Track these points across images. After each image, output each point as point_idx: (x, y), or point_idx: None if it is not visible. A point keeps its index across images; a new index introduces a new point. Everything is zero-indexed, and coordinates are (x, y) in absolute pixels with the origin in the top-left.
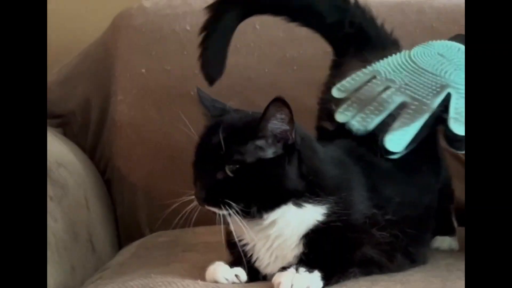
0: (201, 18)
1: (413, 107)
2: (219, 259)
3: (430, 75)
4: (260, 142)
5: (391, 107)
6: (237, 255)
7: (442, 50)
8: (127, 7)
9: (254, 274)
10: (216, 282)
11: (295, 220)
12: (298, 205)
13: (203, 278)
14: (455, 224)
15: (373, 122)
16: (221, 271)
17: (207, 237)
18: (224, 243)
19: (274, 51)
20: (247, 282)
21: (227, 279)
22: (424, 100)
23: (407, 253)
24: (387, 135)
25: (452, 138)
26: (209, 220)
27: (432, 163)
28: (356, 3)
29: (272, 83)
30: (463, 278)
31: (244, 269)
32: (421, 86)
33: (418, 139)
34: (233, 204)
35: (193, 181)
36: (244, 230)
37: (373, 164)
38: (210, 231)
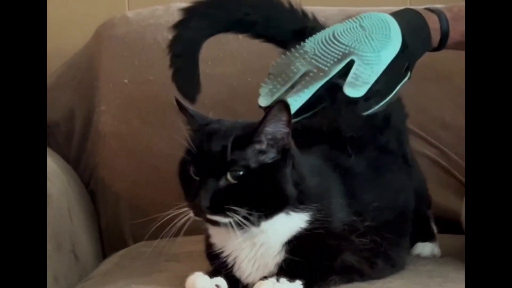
0: None
1: (311, 74)
2: (201, 268)
3: (339, 44)
4: (261, 146)
5: (296, 77)
6: (218, 265)
7: (366, 22)
8: (110, 17)
9: (234, 283)
10: None
11: (282, 228)
12: (287, 212)
13: None
14: (435, 229)
15: (278, 92)
16: (201, 281)
17: (189, 246)
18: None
19: (257, 60)
20: None
21: None
22: (323, 67)
23: (387, 258)
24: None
25: (346, 100)
26: (192, 230)
27: (401, 162)
28: (315, 18)
29: (255, 92)
30: (444, 284)
31: (225, 279)
32: (326, 55)
33: (317, 105)
34: (239, 210)
35: (186, 193)
36: (239, 238)
37: (349, 169)
38: (193, 241)
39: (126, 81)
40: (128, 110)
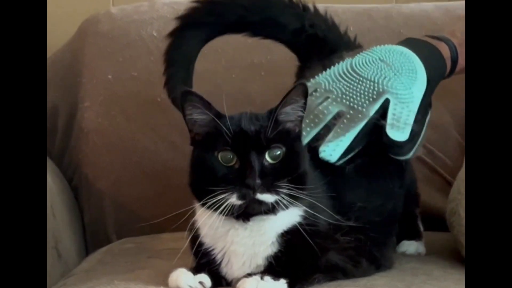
0: (168, 24)
1: (348, 116)
2: (184, 265)
3: (368, 82)
4: (287, 126)
5: (327, 118)
6: (204, 263)
7: (384, 55)
8: (94, 13)
9: (217, 280)
10: None
11: (279, 218)
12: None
13: (167, 285)
14: (421, 228)
15: (309, 135)
16: (184, 278)
17: (172, 243)
18: (189, 250)
19: (242, 57)
20: None
21: (190, 286)
22: (360, 108)
23: (372, 257)
24: (321, 146)
25: (390, 144)
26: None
27: (395, 168)
28: (316, 11)
29: (240, 88)
30: (428, 282)
31: (208, 275)
32: (358, 94)
33: (357, 148)
34: (285, 186)
35: (221, 180)
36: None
37: (334, 169)
38: (176, 237)
39: (110, 77)
40: (111, 107)
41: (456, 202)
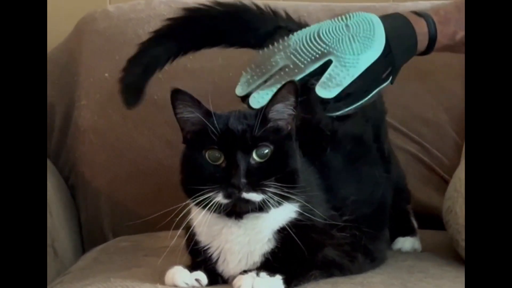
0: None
1: (287, 69)
2: (180, 263)
3: (320, 43)
4: (275, 124)
5: (273, 70)
6: (201, 260)
7: (352, 21)
8: (91, 11)
9: (214, 278)
10: (175, 286)
11: (275, 215)
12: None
13: (163, 283)
14: (415, 224)
15: (254, 83)
16: (180, 275)
17: (168, 241)
18: (185, 249)
19: (239, 55)
20: (207, 285)
21: (187, 284)
22: (300, 64)
23: (367, 252)
24: (254, 93)
25: (316, 99)
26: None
27: (379, 156)
28: (288, 16)
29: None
30: (424, 280)
31: (204, 273)
32: (306, 52)
33: None
34: (272, 185)
35: (208, 179)
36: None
37: (325, 164)
38: (172, 236)
39: (106, 75)
40: (108, 105)
41: (452, 200)
